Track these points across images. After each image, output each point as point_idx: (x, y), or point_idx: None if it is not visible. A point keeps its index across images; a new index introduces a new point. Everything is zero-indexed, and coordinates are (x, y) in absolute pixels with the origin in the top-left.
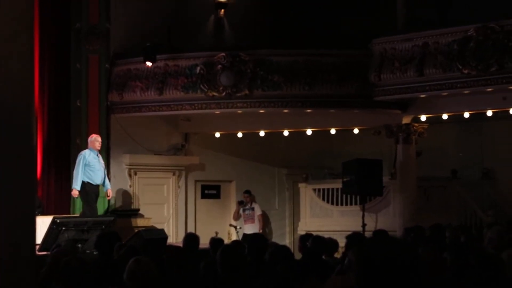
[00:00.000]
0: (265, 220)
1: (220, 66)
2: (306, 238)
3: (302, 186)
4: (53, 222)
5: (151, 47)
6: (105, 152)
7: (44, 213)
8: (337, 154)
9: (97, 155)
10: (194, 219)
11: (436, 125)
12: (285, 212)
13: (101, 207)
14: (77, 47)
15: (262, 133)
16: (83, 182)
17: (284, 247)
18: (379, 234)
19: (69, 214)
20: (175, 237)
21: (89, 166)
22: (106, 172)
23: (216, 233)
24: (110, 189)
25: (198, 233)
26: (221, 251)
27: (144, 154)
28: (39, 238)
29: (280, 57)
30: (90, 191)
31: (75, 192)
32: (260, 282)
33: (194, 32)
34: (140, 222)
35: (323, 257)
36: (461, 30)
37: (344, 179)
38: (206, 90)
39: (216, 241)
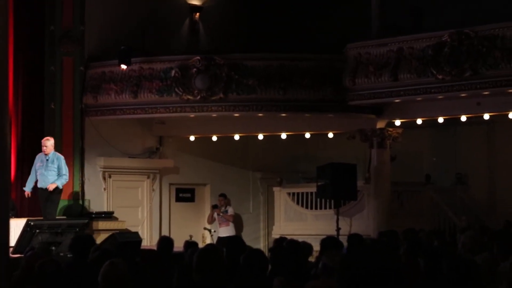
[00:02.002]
0: (237, 222)
1: (195, 69)
2: (281, 241)
3: (276, 190)
4: (27, 225)
5: (126, 50)
6: (80, 155)
7: (18, 215)
8: (311, 158)
9: (46, 158)
10: (169, 222)
11: (411, 130)
12: (260, 215)
13: (75, 210)
14: (51, 50)
15: (236, 137)
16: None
17: (259, 251)
18: (354, 238)
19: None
20: (149, 240)
21: (36, 170)
22: (64, 172)
23: (191, 236)
24: (54, 183)
25: (172, 236)
26: (197, 254)
27: (118, 157)
28: (12, 241)
29: (255, 61)
30: (38, 194)
31: (26, 193)
32: (234, 286)
33: (169, 36)
34: (114, 225)
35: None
36: (436, 36)
37: (319, 183)
38: (181, 93)
39: (190, 244)
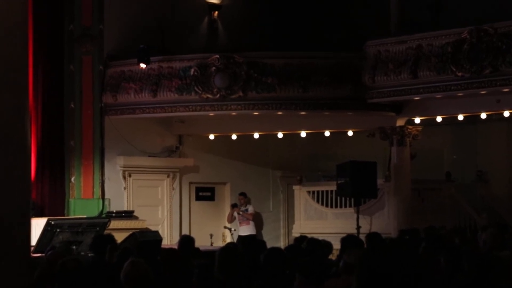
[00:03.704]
0: (257, 220)
1: (214, 68)
2: (301, 240)
3: (296, 188)
4: (47, 224)
5: (145, 49)
6: (99, 154)
7: (38, 215)
8: (331, 156)
9: None
10: (189, 221)
11: (430, 127)
12: (280, 214)
13: (95, 209)
14: (71, 49)
15: (256, 135)
16: None
17: (279, 249)
18: (372, 237)
19: (64, 216)
20: (169, 239)
21: None
22: None
23: (211, 235)
24: None
25: (192, 235)
26: (218, 253)
27: (138, 156)
28: (33, 240)
29: (274, 59)
30: None
31: None
32: (255, 284)
33: (188, 34)
34: (134, 224)
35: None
36: (455, 33)
37: (339, 182)
38: (200, 92)
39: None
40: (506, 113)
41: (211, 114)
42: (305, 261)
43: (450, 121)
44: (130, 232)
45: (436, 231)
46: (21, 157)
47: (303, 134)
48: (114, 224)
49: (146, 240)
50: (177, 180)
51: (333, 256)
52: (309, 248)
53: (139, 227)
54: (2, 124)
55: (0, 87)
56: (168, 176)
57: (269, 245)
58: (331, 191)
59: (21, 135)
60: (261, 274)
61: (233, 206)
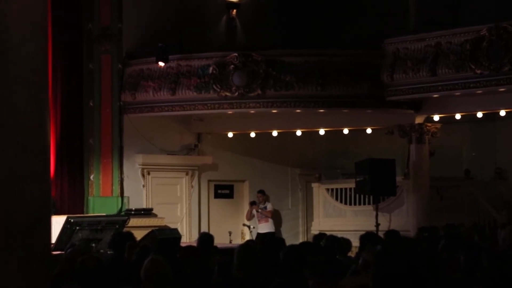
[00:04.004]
0: (275, 218)
1: (232, 66)
2: (320, 237)
3: (315, 186)
4: (67, 222)
5: (164, 47)
6: (118, 152)
7: (58, 213)
8: (350, 154)
9: None
10: (208, 219)
11: (449, 125)
12: (298, 212)
13: (114, 207)
14: (89, 48)
15: (275, 133)
16: None
17: (297, 247)
18: (391, 234)
19: (83, 214)
20: (188, 237)
21: None
22: None
23: (230, 233)
24: None
25: (211, 232)
26: (237, 250)
27: (157, 154)
28: (52, 238)
29: (292, 57)
30: None
31: None
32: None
33: (206, 32)
34: (153, 222)
35: (337, 256)
36: (474, 30)
37: (357, 179)
38: (218, 90)
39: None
40: None
41: (230, 112)
42: (318, 260)
43: (469, 118)
44: (149, 229)
45: (455, 229)
46: (41, 155)
47: (321, 131)
48: (133, 222)
49: (165, 237)
50: (196, 178)
51: (352, 254)
52: (327, 245)
53: (158, 224)
54: (23, 123)
55: (21, 87)
56: (186, 174)
57: (288, 242)
58: (350, 189)
59: (41, 134)
60: (280, 272)
61: (252, 203)
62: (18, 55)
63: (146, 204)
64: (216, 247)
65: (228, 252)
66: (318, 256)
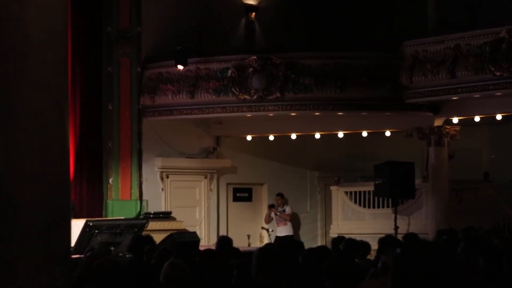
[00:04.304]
0: (294, 221)
1: (251, 69)
2: (339, 241)
3: (334, 189)
4: (86, 225)
5: (182, 51)
6: (137, 155)
7: (77, 216)
8: (369, 156)
9: None
10: (226, 222)
11: (468, 127)
12: (317, 215)
13: (133, 210)
14: (109, 51)
15: (293, 136)
16: None
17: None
18: (410, 237)
19: (102, 217)
20: (207, 240)
21: None
22: None
23: (249, 236)
24: None
25: (230, 236)
26: (256, 254)
27: (176, 157)
28: (72, 241)
29: (311, 60)
30: None
31: None
32: (293, 285)
33: (225, 36)
34: (172, 225)
35: (356, 259)
36: (493, 32)
37: (376, 182)
38: (237, 93)
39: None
40: None
41: (249, 115)
42: (335, 264)
43: (488, 120)
44: (168, 233)
45: (474, 231)
46: (61, 158)
47: (340, 134)
48: (152, 225)
49: (184, 241)
50: (215, 181)
51: (371, 257)
52: (346, 248)
53: (177, 228)
54: (43, 126)
55: (42, 90)
56: (205, 177)
57: (306, 246)
58: (369, 192)
59: (61, 137)
60: (299, 275)
61: (271, 206)
62: (38, 59)
63: (165, 207)
64: (237, 249)
65: (246, 255)
66: (335, 260)
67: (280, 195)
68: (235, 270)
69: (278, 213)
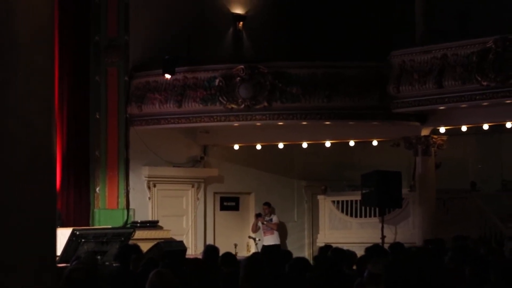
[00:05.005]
0: (281, 230)
1: (239, 78)
2: (326, 250)
3: (321, 198)
4: (72, 234)
5: (170, 60)
6: (124, 164)
7: (63, 225)
8: (356, 166)
9: None
10: (213, 231)
11: (455, 137)
12: (304, 224)
13: (120, 219)
14: (96, 60)
15: (281, 145)
16: None
17: (303, 259)
18: (395, 247)
19: (89, 226)
20: (194, 249)
21: None
22: None
23: (235, 245)
24: None
25: (217, 245)
26: (244, 263)
27: (163, 166)
28: (58, 250)
29: (298, 69)
30: None
31: None
32: None
33: (212, 45)
34: (159, 234)
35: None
36: (480, 42)
37: (363, 191)
38: (225, 102)
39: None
40: None
41: (236, 125)
42: (318, 274)
43: (475, 130)
44: (155, 242)
45: (462, 241)
46: (47, 167)
47: (327, 144)
48: (138, 234)
49: (171, 250)
50: (202, 190)
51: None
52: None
53: (164, 237)
54: (29, 133)
55: (26, 97)
56: (192, 186)
57: (293, 255)
58: (356, 201)
59: (47, 146)
60: (285, 284)
61: (258, 216)
62: (25, 68)
63: (152, 216)
64: (233, 255)
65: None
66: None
67: (267, 204)
68: (221, 279)
69: (265, 222)
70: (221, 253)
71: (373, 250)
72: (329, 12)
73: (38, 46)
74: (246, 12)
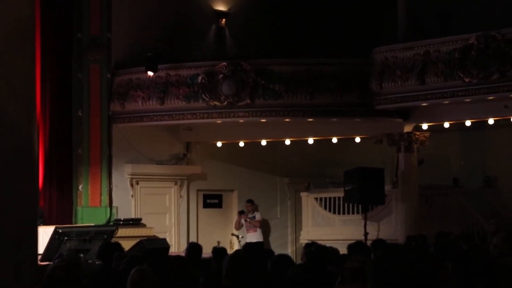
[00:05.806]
0: (264, 227)
1: (221, 75)
2: (311, 247)
3: (304, 195)
4: (55, 232)
5: (153, 57)
6: (107, 162)
7: (46, 223)
8: (338, 163)
9: None
10: (196, 228)
11: (438, 133)
12: (287, 221)
13: (103, 217)
14: (79, 57)
15: (263, 142)
16: None
17: (286, 256)
18: (377, 244)
19: (71, 224)
20: (177, 247)
21: None
22: None
23: (218, 242)
24: None
25: (200, 242)
26: (226, 260)
27: (146, 164)
28: (40, 248)
29: (281, 66)
30: None
31: None
32: None
33: (195, 42)
34: (142, 232)
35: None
36: (462, 39)
37: (346, 188)
38: (207, 99)
39: (218, 250)
40: None
41: (219, 122)
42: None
43: (458, 127)
44: (138, 239)
45: (445, 237)
46: (29, 165)
47: (310, 141)
48: (121, 232)
49: (154, 247)
50: (185, 188)
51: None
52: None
53: (147, 234)
54: (10, 132)
55: (7, 95)
56: (175, 184)
57: (276, 252)
58: (339, 198)
59: (28, 143)
60: (268, 281)
61: (241, 213)
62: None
63: (135, 214)
64: (225, 249)
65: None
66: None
67: (250, 201)
68: (203, 277)
69: (248, 220)
70: (204, 250)
71: (355, 247)
72: (311, 10)
73: (19, 45)
74: (229, 9)
